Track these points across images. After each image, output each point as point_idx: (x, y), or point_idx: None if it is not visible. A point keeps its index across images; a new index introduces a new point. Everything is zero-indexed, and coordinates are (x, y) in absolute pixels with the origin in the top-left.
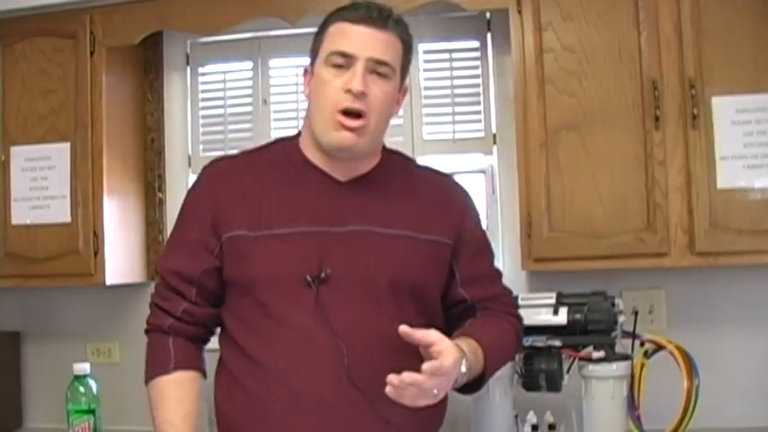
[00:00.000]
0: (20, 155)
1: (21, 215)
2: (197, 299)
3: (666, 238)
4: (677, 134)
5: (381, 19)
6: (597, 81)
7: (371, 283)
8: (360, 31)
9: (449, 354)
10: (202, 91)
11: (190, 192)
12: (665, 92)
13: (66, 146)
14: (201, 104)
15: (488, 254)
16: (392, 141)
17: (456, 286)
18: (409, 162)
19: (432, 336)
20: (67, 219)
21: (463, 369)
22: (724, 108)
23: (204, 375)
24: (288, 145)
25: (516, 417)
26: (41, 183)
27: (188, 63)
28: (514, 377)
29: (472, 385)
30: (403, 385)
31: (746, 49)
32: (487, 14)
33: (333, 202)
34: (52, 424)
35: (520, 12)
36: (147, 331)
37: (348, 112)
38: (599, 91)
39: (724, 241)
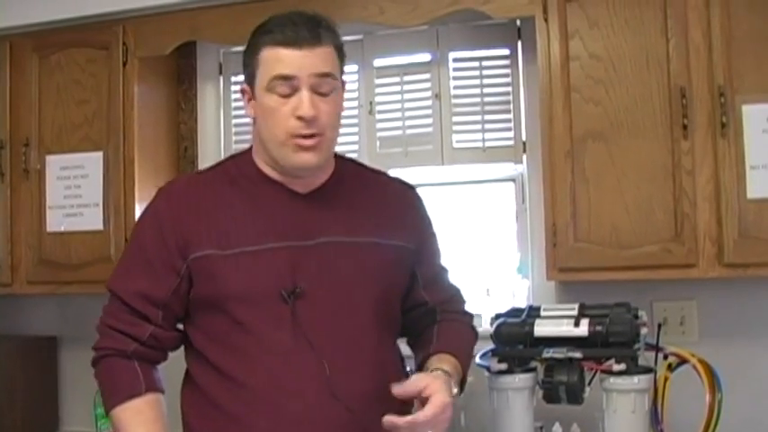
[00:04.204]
0: (54, 164)
1: (55, 223)
2: (162, 322)
3: (694, 248)
4: (706, 143)
5: (312, 35)
6: (624, 89)
7: (345, 293)
8: (294, 55)
9: (435, 400)
10: (235, 100)
11: (146, 213)
12: (694, 100)
13: (98, 155)
14: (234, 113)
15: (440, 250)
16: (421, 150)
17: (418, 289)
18: (362, 168)
19: (420, 383)
20: (100, 226)
21: (455, 391)
22: (754, 116)
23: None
24: (241, 161)
25: (541, 428)
26: (75, 191)
27: (221, 72)
28: (536, 388)
29: None
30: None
31: None
32: (518, 22)
33: (297, 215)
34: (87, 427)
35: (546, 19)
36: (101, 356)
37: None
38: (626, 99)
39: (754, 252)
